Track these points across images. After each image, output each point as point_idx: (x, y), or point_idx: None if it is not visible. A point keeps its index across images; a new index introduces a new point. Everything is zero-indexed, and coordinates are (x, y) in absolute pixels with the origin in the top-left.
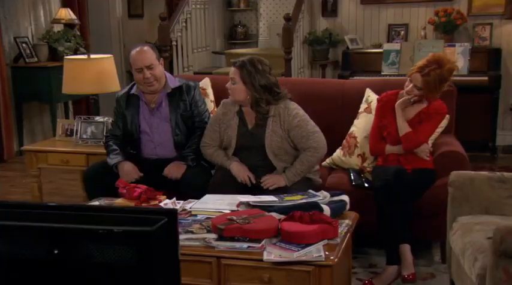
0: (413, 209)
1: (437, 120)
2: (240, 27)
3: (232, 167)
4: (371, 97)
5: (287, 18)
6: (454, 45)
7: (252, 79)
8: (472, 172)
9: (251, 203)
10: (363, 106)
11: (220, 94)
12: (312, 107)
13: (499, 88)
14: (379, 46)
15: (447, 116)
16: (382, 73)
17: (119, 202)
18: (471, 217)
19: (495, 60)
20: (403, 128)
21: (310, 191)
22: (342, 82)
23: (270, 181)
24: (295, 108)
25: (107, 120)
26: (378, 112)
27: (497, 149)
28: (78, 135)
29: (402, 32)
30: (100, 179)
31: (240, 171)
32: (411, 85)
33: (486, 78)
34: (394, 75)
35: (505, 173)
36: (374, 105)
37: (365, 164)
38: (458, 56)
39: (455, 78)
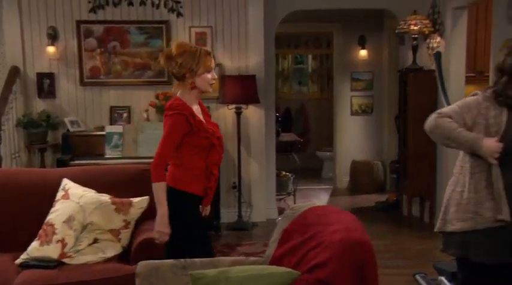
0: None
1: None
2: None
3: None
4: (68, 184)
5: None
6: None
7: None
8: (158, 261)
9: None
10: (60, 194)
11: None
12: (9, 200)
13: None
14: (102, 128)
15: None
16: (106, 156)
17: None
18: None
19: None
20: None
21: None
22: (42, 172)
23: None
24: None
25: None
26: (181, 126)
27: (221, 227)
28: None
29: (125, 114)
30: None
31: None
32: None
33: None
34: (118, 158)
35: (188, 260)
36: (72, 191)
37: (65, 250)
38: None
39: None
